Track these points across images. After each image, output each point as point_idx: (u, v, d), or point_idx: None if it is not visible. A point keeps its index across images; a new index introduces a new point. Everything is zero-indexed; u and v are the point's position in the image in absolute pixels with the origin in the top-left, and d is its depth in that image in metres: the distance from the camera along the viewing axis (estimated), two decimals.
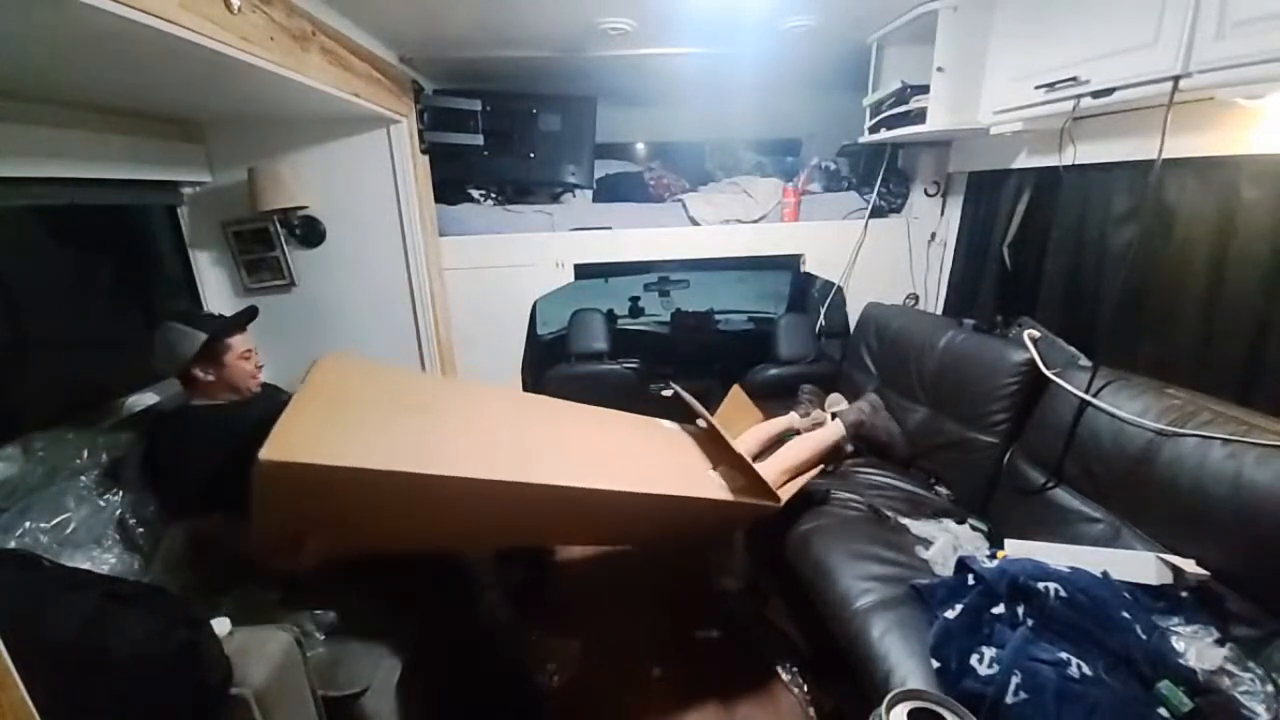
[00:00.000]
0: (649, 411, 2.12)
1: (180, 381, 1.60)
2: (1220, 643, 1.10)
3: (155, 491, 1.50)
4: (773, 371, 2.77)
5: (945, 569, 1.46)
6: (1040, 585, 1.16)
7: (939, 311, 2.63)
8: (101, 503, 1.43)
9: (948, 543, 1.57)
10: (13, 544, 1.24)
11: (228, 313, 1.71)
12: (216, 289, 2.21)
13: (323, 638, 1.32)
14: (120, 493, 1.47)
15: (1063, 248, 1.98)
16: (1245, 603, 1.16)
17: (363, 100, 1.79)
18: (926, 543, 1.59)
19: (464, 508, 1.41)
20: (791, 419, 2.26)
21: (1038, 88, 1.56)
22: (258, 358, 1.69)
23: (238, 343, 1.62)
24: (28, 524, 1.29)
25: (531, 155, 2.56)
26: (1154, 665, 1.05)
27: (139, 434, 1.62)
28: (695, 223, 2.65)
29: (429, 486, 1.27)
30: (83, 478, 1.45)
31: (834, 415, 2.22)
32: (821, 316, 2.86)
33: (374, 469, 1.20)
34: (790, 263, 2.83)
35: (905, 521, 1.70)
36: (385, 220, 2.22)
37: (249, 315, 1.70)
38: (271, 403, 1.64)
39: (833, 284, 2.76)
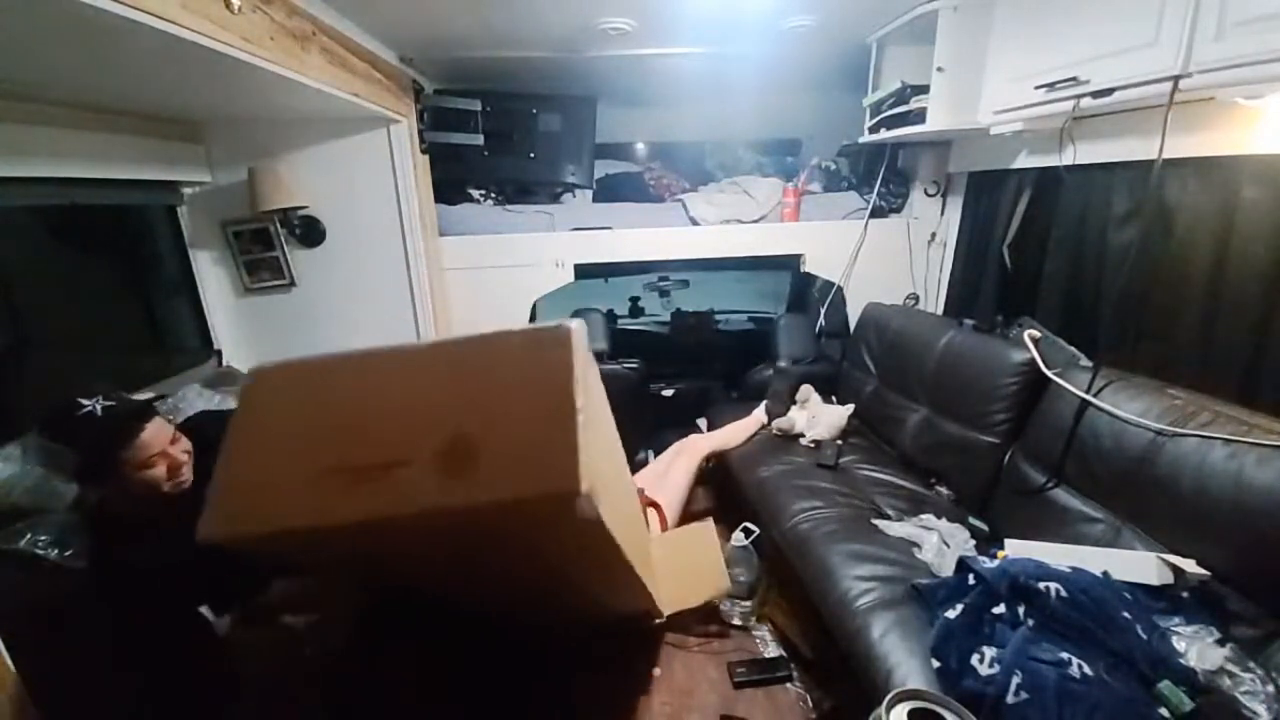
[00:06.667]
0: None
1: None
2: (1221, 643, 1.10)
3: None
4: (772, 371, 2.76)
5: (945, 569, 1.46)
6: (1041, 585, 1.15)
7: (939, 311, 2.63)
8: None
9: (936, 541, 1.57)
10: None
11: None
12: (216, 289, 2.22)
13: None
14: None
15: (1063, 248, 1.97)
16: (1245, 603, 1.16)
17: (363, 100, 1.80)
18: (915, 545, 1.59)
19: None
20: (759, 418, 2.31)
21: (1038, 88, 1.56)
22: (176, 450, 1.20)
23: (136, 451, 1.13)
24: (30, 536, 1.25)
25: (531, 155, 2.56)
26: (1155, 665, 1.05)
27: None
28: (695, 223, 2.66)
29: None
30: None
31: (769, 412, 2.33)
32: (821, 316, 2.86)
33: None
34: (790, 263, 2.83)
35: (878, 523, 1.69)
36: (385, 220, 2.22)
37: (143, 413, 1.17)
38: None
39: (833, 284, 2.76)
